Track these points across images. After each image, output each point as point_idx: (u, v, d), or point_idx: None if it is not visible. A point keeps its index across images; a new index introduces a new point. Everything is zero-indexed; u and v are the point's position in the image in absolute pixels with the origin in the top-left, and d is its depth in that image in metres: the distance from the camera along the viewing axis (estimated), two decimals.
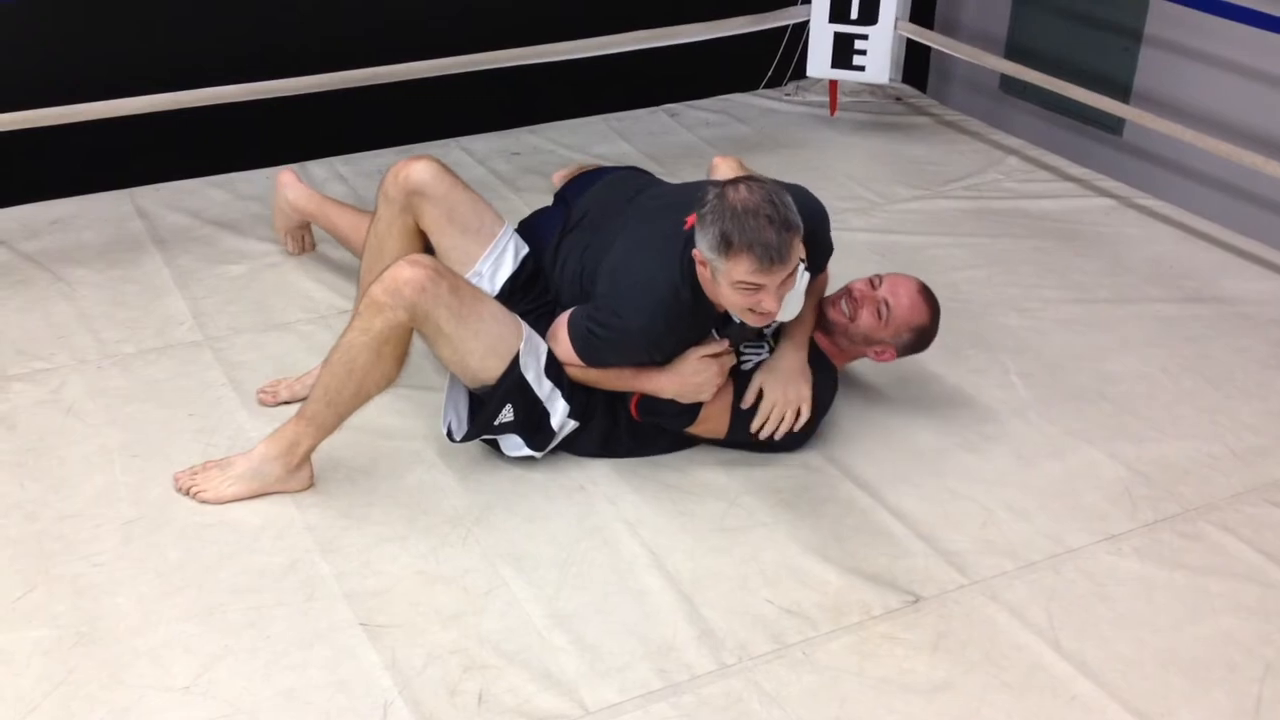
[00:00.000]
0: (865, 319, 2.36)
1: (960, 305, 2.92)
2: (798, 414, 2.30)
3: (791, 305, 2.18)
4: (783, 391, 2.30)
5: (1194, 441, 2.46)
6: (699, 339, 2.24)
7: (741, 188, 2.04)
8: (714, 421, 2.31)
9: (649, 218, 2.31)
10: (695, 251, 2.09)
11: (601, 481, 2.29)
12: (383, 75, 3.36)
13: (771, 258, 2.01)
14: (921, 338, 2.42)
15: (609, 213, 2.40)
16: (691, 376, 2.23)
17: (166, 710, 1.79)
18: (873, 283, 2.39)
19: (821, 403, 2.37)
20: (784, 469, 2.34)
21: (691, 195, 2.25)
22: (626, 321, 2.17)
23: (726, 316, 2.23)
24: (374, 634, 1.93)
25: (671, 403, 2.26)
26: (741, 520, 2.21)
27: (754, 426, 2.30)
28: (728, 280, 2.06)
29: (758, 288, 2.04)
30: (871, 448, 2.41)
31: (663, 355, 2.23)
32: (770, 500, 2.26)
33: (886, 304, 2.36)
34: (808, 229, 2.17)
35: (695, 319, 2.20)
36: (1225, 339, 2.82)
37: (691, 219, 2.11)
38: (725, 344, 2.25)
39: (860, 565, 2.11)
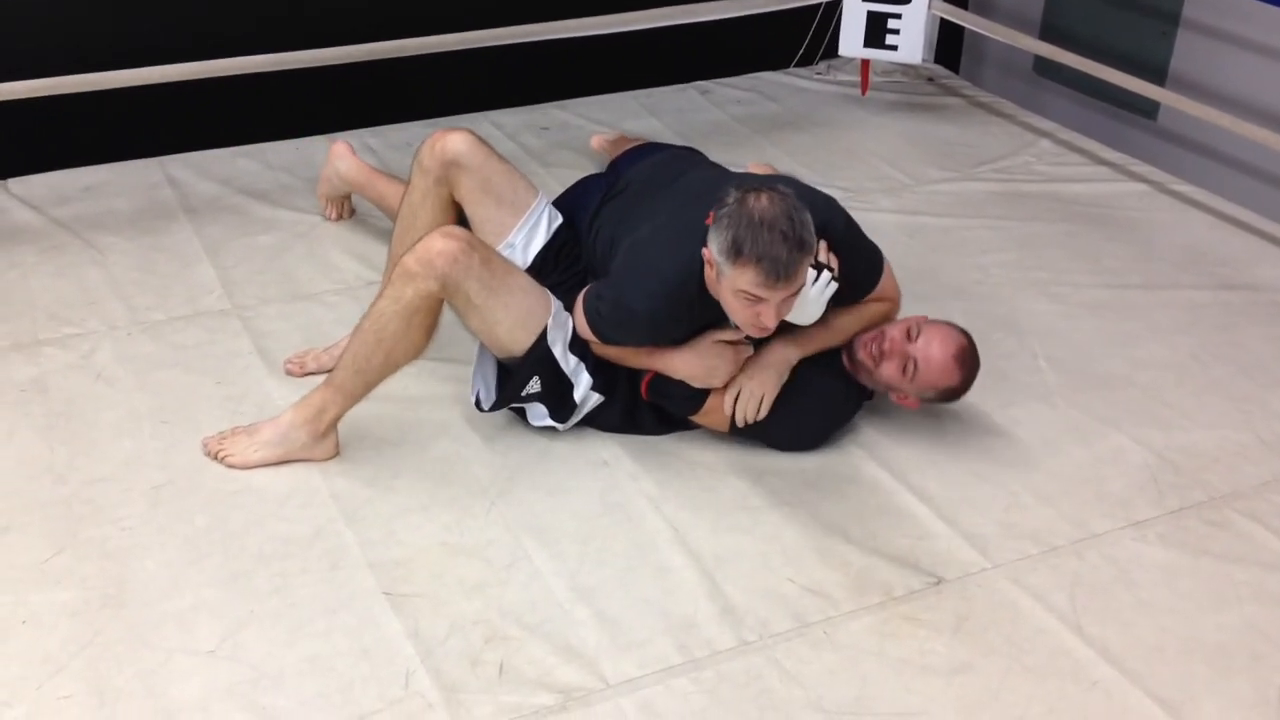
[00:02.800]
0: (889, 371, 2.24)
1: (989, 289, 2.90)
2: (760, 405, 2.22)
3: (808, 310, 2.15)
4: (749, 378, 2.23)
5: (1222, 429, 2.44)
6: (713, 325, 2.22)
7: (764, 197, 2.00)
8: (718, 414, 2.28)
9: (682, 204, 2.28)
10: (705, 249, 2.07)
11: (625, 457, 2.30)
12: (413, 48, 3.35)
13: (778, 274, 1.97)
14: (947, 397, 2.30)
15: (651, 188, 2.39)
16: (706, 359, 2.21)
17: (192, 673, 1.82)
18: (909, 333, 2.24)
19: (827, 410, 2.32)
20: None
21: (722, 188, 2.25)
22: (630, 303, 2.16)
23: None
24: (397, 603, 1.95)
25: (681, 386, 2.24)
26: (764, 499, 2.21)
27: (723, 405, 2.25)
28: (730, 286, 2.03)
29: (758, 300, 2.02)
30: (896, 429, 2.40)
31: (668, 339, 2.22)
32: (793, 480, 2.26)
33: (915, 364, 2.21)
34: (836, 241, 2.16)
35: (706, 309, 2.17)
36: (1257, 327, 2.80)
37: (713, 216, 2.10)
38: (740, 333, 2.21)
39: (882, 546, 2.11)
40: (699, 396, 2.26)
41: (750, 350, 2.25)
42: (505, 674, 1.84)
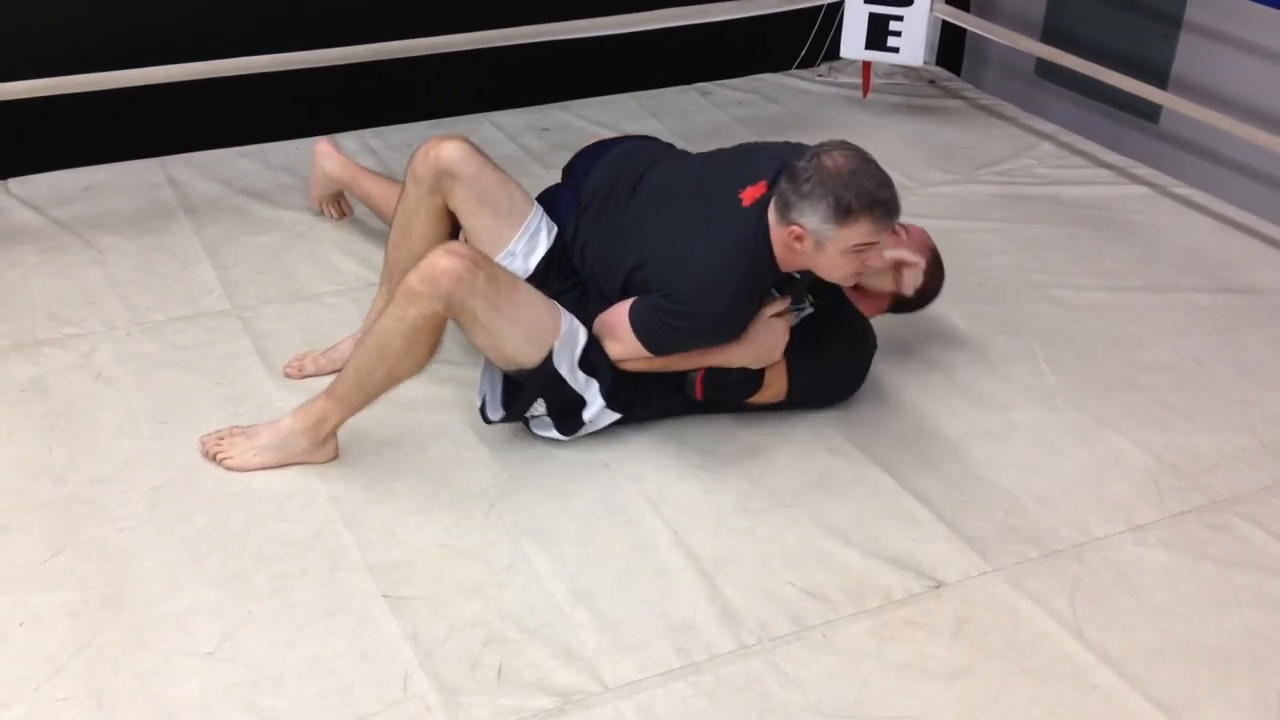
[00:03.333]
0: (878, 257, 2.32)
1: (990, 291, 2.90)
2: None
3: (913, 278, 2.35)
4: (909, 251, 2.33)
5: (1224, 433, 2.43)
6: (765, 302, 2.26)
7: (836, 154, 2.08)
8: (775, 385, 2.31)
9: (687, 199, 2.28)
10: (793, 228, 2.08)
11: (625, 459, 2.29)
12: (414, 48, 3.35)
13: (890, 213, 2.06)
14: (934, 264, 2.43)
15: (621, 191, 2.37)
16: (763, 340, 2.24)
17: (190, 674, 1.81)
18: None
19: (865, 350, 2.41)
20: (808, 451, 2.33)
21: (727, 171, 2.25)
22: (711, 307, 2.16)
23: (788, 276, 2.24)
24: (396, 605, 1.95)
25: (738, 372, 2.27)
26: (764, 501, 2.21)
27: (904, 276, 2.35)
28: (841, 247, 2.08)
29: (869, 247, 2.09)
30: (897, 432, 2.40)
31: (740, 331, 2.23)
32: (794, 482, 2.26)
33: (905, 229, 2.38)
34: None
35: (766, 290, 2.23)
36: (1259, 330, 2.79)
37: (748, 194, 2.10)
38: (787, 300, 2.26)
39: (883, 549, 2.10)
40: (756, 378, 2.29)
41: (795, 317, 2.31)
42: (504, 677, 1.83)
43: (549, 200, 2.54)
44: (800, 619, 1.95)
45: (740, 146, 2.46)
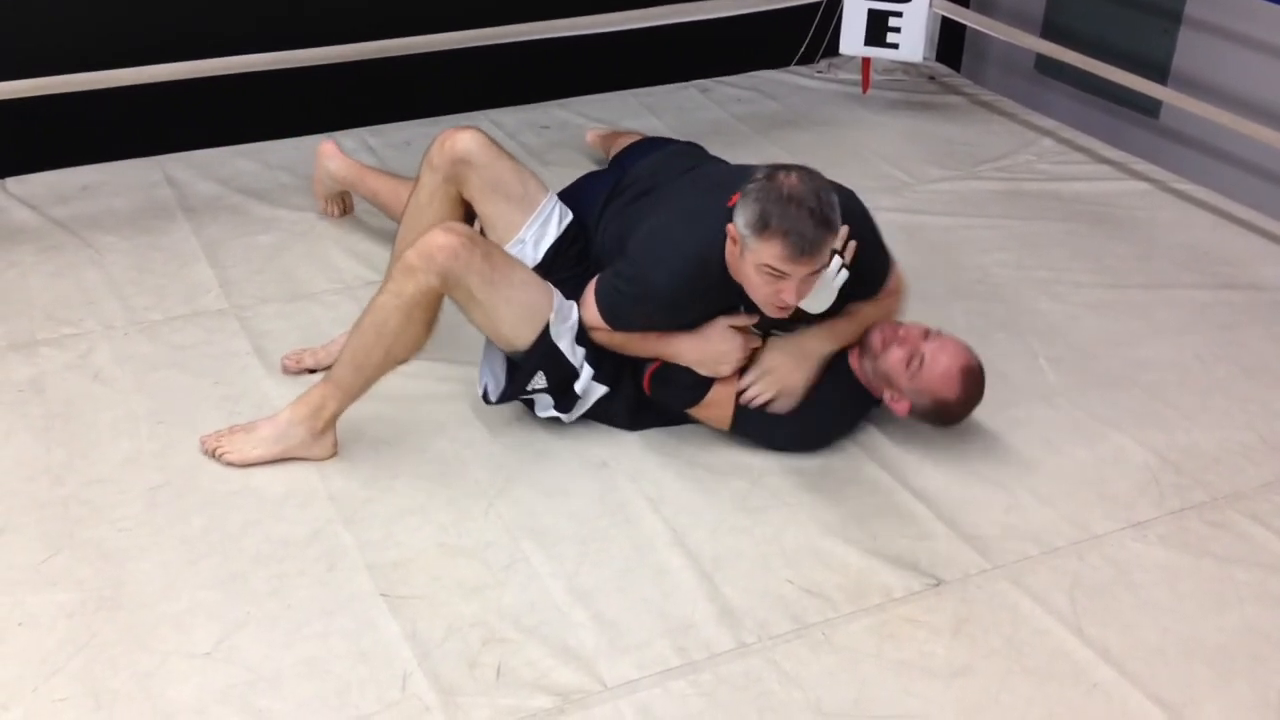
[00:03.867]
0: (893, 359, 2.22)
1: (990, 288, 2.89)
2: (776, 396, 2.22)
3: (820, 298, 2.15)
4: (778, 360, 2.23)
5: (1225, 430, 2.43)
6: (726, 311, 2.23)
7: (794, 175, 2.04)
8: (720, 408, 2.27)
9: (697, 191, 2.32)
10: (730, 225, 2.08)
11: (624, 458, 2.29)
12: (413, 46, 3.35)
13: (803, 249, 2.00)
14: (940, 412, 2.26)
15: (659, 183, 2.41)
16: (715, 344, 2.22)
17: (188, 675, 1.81)
18: (927, 333, 2.24)
19: (835, 414, 2.31)
20: None
21: (744, 176, 2.25)
22: (652, 276, 2.18)
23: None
24: (395, 605, 1.94)
25: (684, 375, 2.25)
26: (764, 500, 2.20)
27: (740, 384, 2.23)
28: (754, 260, 2.05)
29: (781, 275, 2.04)
30: (896, 429, 2.39)
31: (684, 320, 2.22)
32: (793, 480, 2.25)
33: (921, 359, 2.20)
34: (854, 232, 2.17)
35: (722, 293, 2.20)
36: (1260, 326, 2.79)
37: (736, 197, 2.10)
38: (754, 319, 2.23)
39: (882, 547, 2.10)
40: (701, 387, 2.26)
41: (758, 342, 2.26)
42: (503, 676, 1.83)
43: (585, 183, 2.60)
44: (800, 617, 1.95)
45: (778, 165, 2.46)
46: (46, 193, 3.19)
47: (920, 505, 2.20)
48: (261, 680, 1.81)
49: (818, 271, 2.06)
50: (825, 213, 2.01)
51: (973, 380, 2.25)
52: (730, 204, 2.11)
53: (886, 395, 2.29)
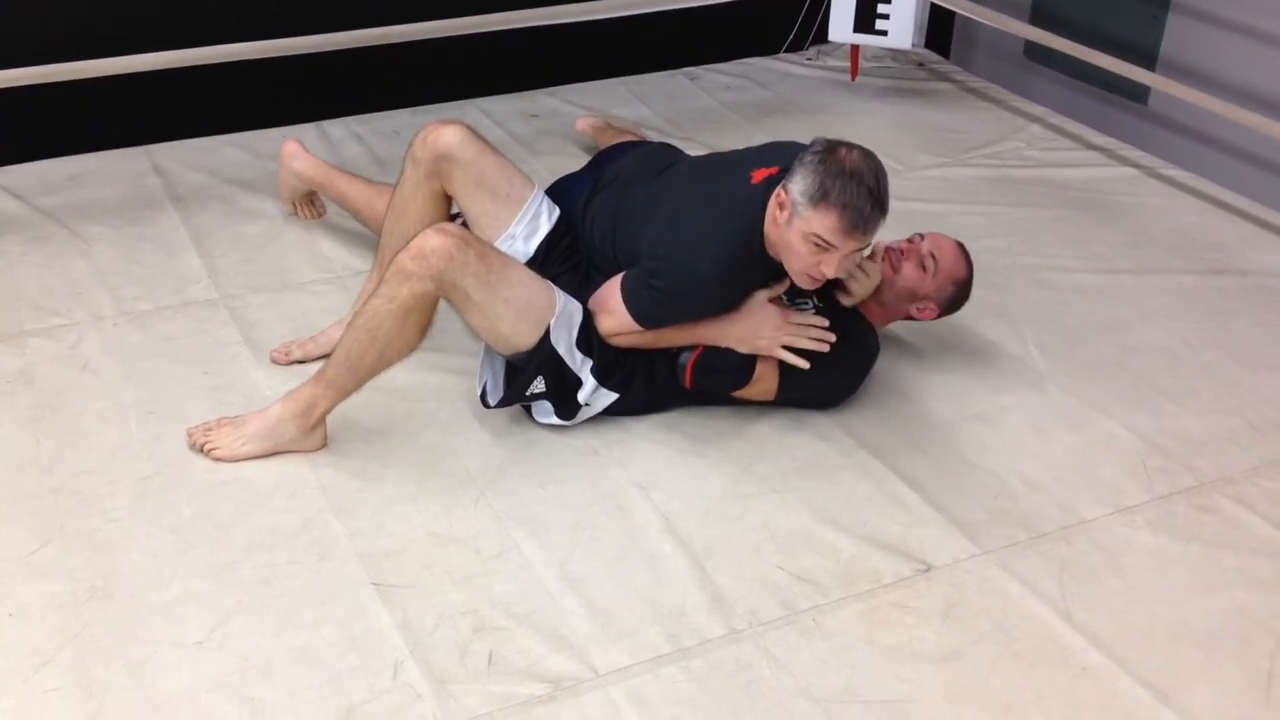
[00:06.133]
0: (910, 272, 2.37)
1: (980, 275, 2.87)
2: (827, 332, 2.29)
3: (863, 285, 2.28)
4: (856, 270, 2.29)
5: (1213, 415, 2.44)
6: (760, 286, 2.25)
7: (855, 152, 2.09)
8: (765, 381, 2.30)
9: (700, 179, 2.32)
10: (780, 190, 2.09)
11: (615, 446, 2.29)
12: (401, 34, 3.33)
13: (856, 224, 2.04)
14: (963, 291, 2.43)
15: (640, 178, 2.41)
16: (754, 319, 2.23)
17: (179, 665, 1.81)
18: (913, 239, 2.41)
19: (865, 357, 2.38)
20: (798, 436, 2.33)
21: (744, 157, 2.27)
22: (694, 262, 2.16)
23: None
24: (386, 594, 1.94)
25: (729, 358, 2.26)
26: (754, 487, 2.21)
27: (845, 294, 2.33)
28: (804, 229, 2.07)
29: (828, 248, 2.07)
30: (886, 416, 2.40)
31: (725, 303, 2.23)
32: (784, 467, 2.26)
33: (933, 257, 2.37)
34: None
35: (761, 268, 2.22)
36: (1248, 312, 2.79)
37: (759, 174, 2.11)
38: (784, 284, 2.25)
39: (872, 533, 2.11)
40: (747, 368, 2.28)
41: (795, 312, 2.29)
42: (494, 664, 1.83)
43: (567, 183, 2.59)
44: (790, 604, 1.96)
45: (772, 142, 2.47)
46: (33, 183, 3.17)
47: (910, 491, 2.21)
48: (252, 669, 1.81)
49: (860, 250, 2.10)
50: (882, 194, 2.07)
51: (966, 251, 2.45)
52: (756, 181, 2.11)
53: (913, 310, 2.40)
